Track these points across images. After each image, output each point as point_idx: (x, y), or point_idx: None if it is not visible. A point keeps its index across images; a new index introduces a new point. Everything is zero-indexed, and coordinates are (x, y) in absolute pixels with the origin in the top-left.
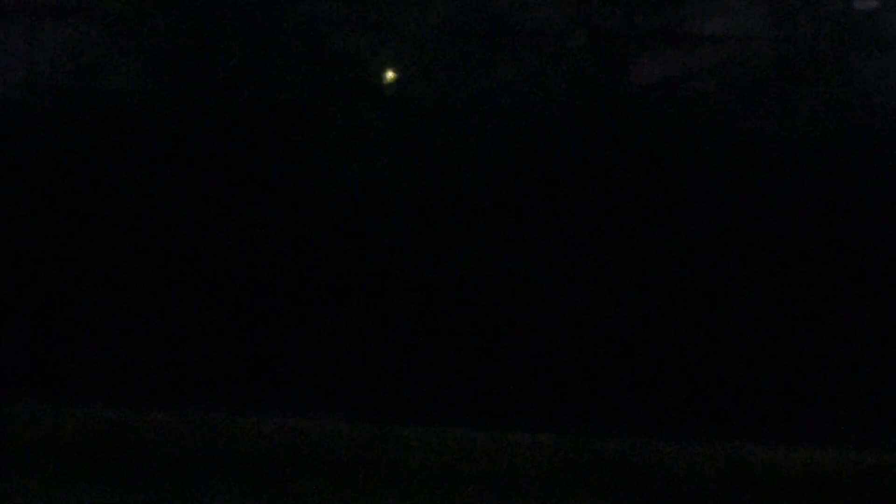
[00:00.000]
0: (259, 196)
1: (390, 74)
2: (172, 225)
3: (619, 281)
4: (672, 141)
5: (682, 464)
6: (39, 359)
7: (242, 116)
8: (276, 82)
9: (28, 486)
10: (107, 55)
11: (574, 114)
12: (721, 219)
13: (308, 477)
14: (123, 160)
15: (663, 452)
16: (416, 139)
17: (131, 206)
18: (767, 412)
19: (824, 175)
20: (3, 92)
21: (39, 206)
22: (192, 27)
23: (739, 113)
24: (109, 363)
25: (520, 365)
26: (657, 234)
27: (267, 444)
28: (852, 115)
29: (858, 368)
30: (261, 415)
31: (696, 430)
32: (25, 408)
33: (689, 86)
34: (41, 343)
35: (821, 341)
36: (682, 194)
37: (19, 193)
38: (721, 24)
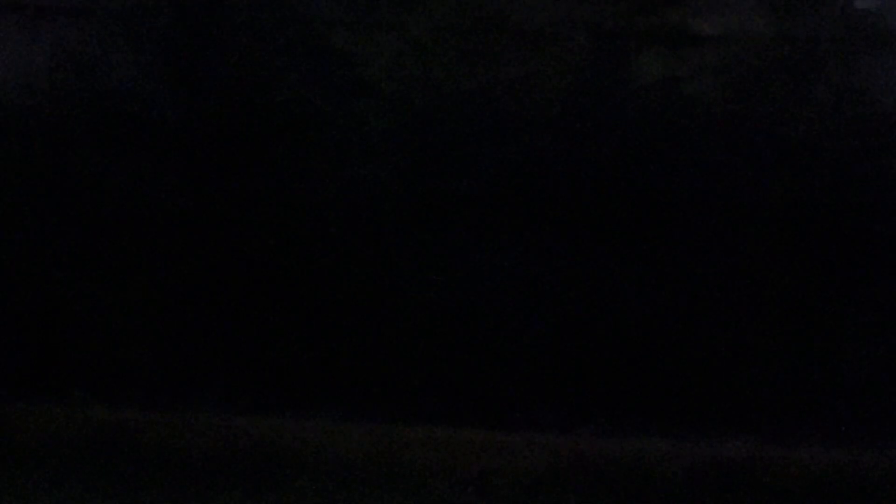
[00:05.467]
0: (258, 196)
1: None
2: (172, 225)
3: (618, 281)
4: (672, 141)
5: (682, 464)
6: (39, 359)
7: (242, 116)
8: (276, 82)
9: (27, 486)
10: (107, 55)
11: (574, 114)
12: (720, 219)
13: (308, 477)
14: (123, 160)
15: (663, 453)
16: (417, 139)
17: (131, 207)
18: (767, 412)
19: (824, 175)
20: (2, 92)
21: (38, 206)
22: (192, 27)
23: (739, 113)
24: (109, 364)
25: (519, 365)
26: (656, 235)
27: (267, 444)
28: (853, 114)
29: (858, 368)
30: (260, 415)
31: (695, 431)
32: (25, 408)
33: (689, 86)
34: (41, 344)
35: (821, 341)
36: (682, 194)
37: (18, 194)
38: (721, 24)
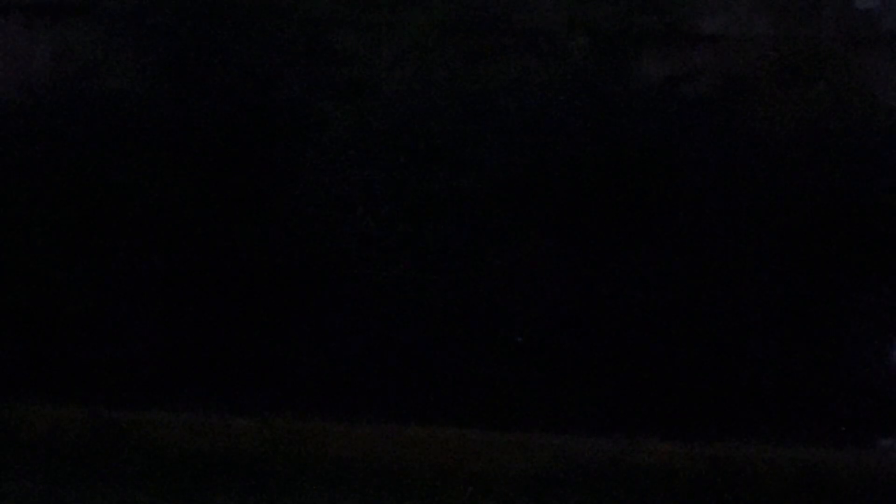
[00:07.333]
0: (258, 196)
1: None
2: (172, 225)
3: (617, 281)
4: (672, 141)
5: (680, 464)
6: (39, 359)
7: (242, 116)
8: (276, 82)
9: (28, 486)
10: (107, 55)
11: (574, 114)
12: (720, 219)
13: (308, 477)
14: (122, 160)
15: (661, 452)
16: (416, 139)
17: (130, 207)
18: (767, 412)
19: (825, 175)
20: (2, 92)
21: (38, 206)
22: (192, 27)
23: (739, 113)
24: (109, 363)
25: (518, 365)
26: (656, 235)
27: (267, 444)
28: (853, 114)
29: (858, 368)
30: (261, 415)
31: (695, 430)
32: (25, 408)
33: (689, 86)
34: (41, 343)
35: (820, 341)
36: (682, 194)
37: (18, 194)
38: (721, 24)
